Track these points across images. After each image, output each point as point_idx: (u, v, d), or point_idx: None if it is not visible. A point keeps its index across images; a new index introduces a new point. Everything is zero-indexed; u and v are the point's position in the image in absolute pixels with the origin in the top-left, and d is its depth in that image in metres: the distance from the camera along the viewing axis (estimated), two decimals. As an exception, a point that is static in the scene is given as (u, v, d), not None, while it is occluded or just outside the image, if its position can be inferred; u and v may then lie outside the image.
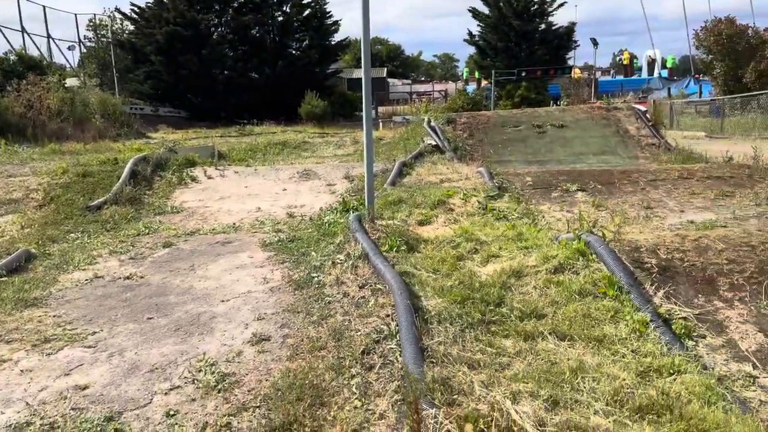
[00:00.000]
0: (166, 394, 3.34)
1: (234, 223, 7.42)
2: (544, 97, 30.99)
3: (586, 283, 4.33)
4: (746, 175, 8.46)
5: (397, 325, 3.72)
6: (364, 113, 5.93)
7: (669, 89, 31.78)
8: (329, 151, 14.92)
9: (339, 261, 5.09)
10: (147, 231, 7.16)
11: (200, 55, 28.10)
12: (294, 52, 31.71)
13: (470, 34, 34.11)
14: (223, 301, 4.72)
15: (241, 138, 18.02)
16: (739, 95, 20.56)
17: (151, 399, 3.29)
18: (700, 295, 4.23)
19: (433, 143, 12.05)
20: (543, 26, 32.92)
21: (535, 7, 32.37)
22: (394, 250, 5.31)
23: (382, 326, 3.83)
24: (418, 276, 4.67)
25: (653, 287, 4.28)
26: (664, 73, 41.72)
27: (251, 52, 30.21)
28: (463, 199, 7.35)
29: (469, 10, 33.61)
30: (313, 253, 5.60)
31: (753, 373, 3.32)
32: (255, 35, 30.71)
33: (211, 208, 8.32)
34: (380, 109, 36.12)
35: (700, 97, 27.55)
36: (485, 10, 32.96)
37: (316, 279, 4.89)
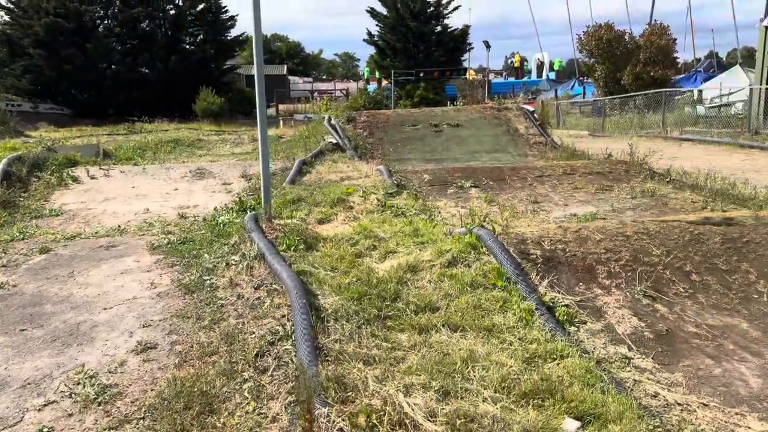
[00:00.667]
0: (39, 410, 3.08)
1: (119, 226, 7.01)
2: (442, 97, 31.84)
3: (478, 275, 4.46)
4: (624, 170, 9.10)
5: (293, 326, 3.65)
6: (258, 108, 5.78)
7: (556, 91, 33.66)
8: (226, 150, 14.49)
9: (233, 262, 4.93)
10: (21, 236, 6.61)
11: (85, 48, 26.38)
12: (188, 47, 30.57)
13: (369, 34, 34.43)
14: (105, 308, 4.43)
15: (130, 136, 17.10)
16: (618, 96, 22.15)
17: (23, 417, 3.03)
18: (581, 283, 4.48)
19: (334, 141, 12.01)
20: (439, 28, 33.83)
21: (431, 9, 33.18)
22: (292, 249, 5.23)
23: (277, 327, 3.75)
24: (316, 275, 4.62)
25: (538, 277, 4.49)
26: (552, 75, 44.17)
27: (141, 46, 28.79)
28: (362, 197, 7.37)
29: (367, 11, 33.90)
30: (205, 255, 5.39)
31: (628, 355, 3.56)
32: (145, 29, 29.29)
33: (95, 211, 7.81)
34: (281, 106, 35.60)
35: (584, 98, 29.43)
36: (383, 10, 33.39)
37: (208, 282, 4.71)
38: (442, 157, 11.89)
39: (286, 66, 63.21)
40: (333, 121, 13.28)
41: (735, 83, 22.74)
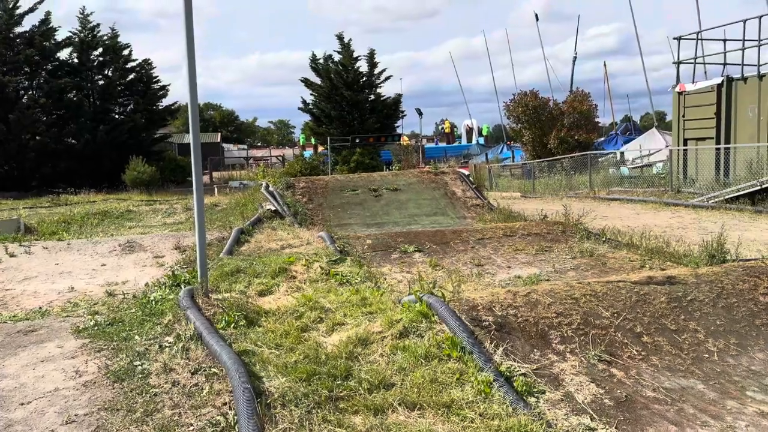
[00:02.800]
0: None
1: (41, 307, 6.45)
2: (378, 162, 32.30)
3: (431, 345, 4.28)
4: (561, 231, 9.29)
5: (236, 415, 3.33)
6: (194, 176, 5.53)
7: (486, 155, 34.87)
8: (158, 220, 13.94)
9: (167, 344, 4.56)
10: (-75, 324, 5.94)
11: (7, 120, 25.34)
12: (117, 116, 29.93)
13: (304, 102, 34.78)
14: (23, 404, 3.95)
15: (54, 209, 16.24)
16: (546, 159, 23.09)
17: None
18: (535, 350, 4.37)
19: (273, 208, 11.78)
20: (372, 97, 34.67)
21: (364, 79, 34.05)
22: (232, 326, 4.91)
23: (218, 417, 3.41)
24: (260, 354, 4.32)
25: (492, 345, 4.35)
26: (481, 140, 45.92)
27: (68, 116, 27.98)
28: (305, 265, 7.13)
29: (301, 80, 34.38)
30: (136, 337, 4.97)
31: (591, 425, 3.43)
32: (72, 99, 28.54)
33: (13, 291, 7.19)
34: (215, 174, 35.07)
35: (513, 161, 30.55)
36: (317, 80, 33.96)
37: (139, 368, 4.30)
38: (383, 221, 11.85)
39: (220, 134, 62.95)
40: (271, 188, 13.08)
41: (653, 145, 24.22)
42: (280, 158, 48.15)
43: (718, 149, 15.39)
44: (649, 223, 11.48)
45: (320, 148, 38.84)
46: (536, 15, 43.49)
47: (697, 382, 3.97)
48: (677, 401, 3.75)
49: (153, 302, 5.93)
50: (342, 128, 32.91)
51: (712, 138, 15.90)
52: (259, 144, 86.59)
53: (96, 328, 5.50)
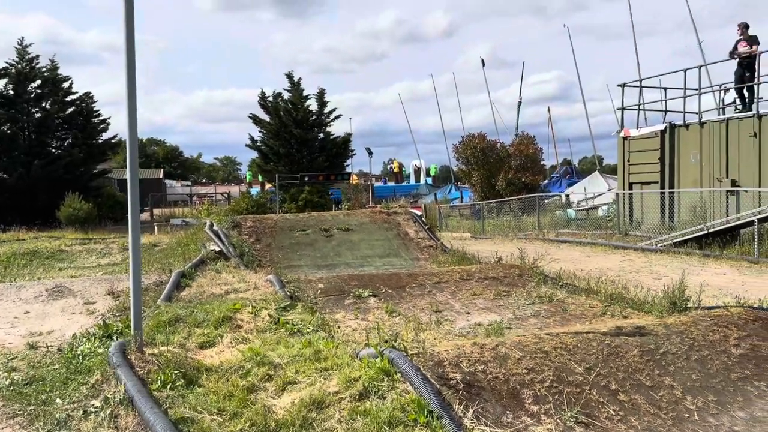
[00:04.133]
0: None
1: (-53, 363, 5.67)
2: (327, 200, 31.92)
3: (395, 409, 3.86)
4: (517, 274, 9.08)
5: (170, 503, 2.81)
6: (129, 215, 5.00)
7: (435, 195, 35.04)
8: (92, 261, 13.04)
9: (93, 410, 3.97)
10: None
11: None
12: (54, 150, 28.59)
13: (252, 139, 34.24)
14: None
15: (-23, 247, 15.01)
16: (494, 201, 23.26)
17: None
18: (508, 411, 4.01)
19: (217, 249, 11.16)
20: (322, 135, 34.47)
21: (314, 117, 33.88)
22: (169, 386, 4.36)
23: (148, 505, 2.88)
24: (200, 422, 3.79)
25: (462, 407, 3.97)
26: (429, 180, 46.32)
27: (1, 149, 26.49)
28: (252, 313, 6.60)
29: (250, 117, 33.94)
30: (57, 400, 4.34)
31: (578, 502, 3.07)
32: (6, 131, 27.12)
33: None
34: (156, 211, 33.84)
35: (461, 201, 30.75)
36: (266, 117, 33.55)
37: (58, 440, 3.70)
38: (335, 262, 11.40)
39: (162, 170, 61.31)
40: (216, 227, 12.48)
41: (597, 188, 24.82)
42: (226, 195, 47.14)
43: (662, 193, 15.77)
44: (602, 266, 11.48)
45: (267, 186, 38.18)
46: (483, 61, 44.71)
47: (682, 446, 3.70)
48: (664, 469, 3.45)
49: (80, 357, 5.29)
50: (290, 166, 32.46)
51: (657, 182, 16.31)
52: (204, 180, 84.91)
53: (11, 388, 4.82)
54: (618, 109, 18.42)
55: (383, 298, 7.94)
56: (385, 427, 3.69)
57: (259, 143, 34.15)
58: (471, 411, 3.92)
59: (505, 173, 25.03)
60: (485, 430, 3.74)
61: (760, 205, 12.30)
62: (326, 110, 34.17)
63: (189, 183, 68.06)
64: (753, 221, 11.71)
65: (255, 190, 39.52)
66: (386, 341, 4.85)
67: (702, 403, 4.19)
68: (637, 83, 18.05)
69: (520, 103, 40.15)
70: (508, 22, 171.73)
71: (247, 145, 34.47)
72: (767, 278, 9.34)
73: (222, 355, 5.45)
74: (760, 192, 13.05)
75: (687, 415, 4.06)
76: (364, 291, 8.15)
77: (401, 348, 4.62)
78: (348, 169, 36.78)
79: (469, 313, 7.33)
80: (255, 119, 33.98)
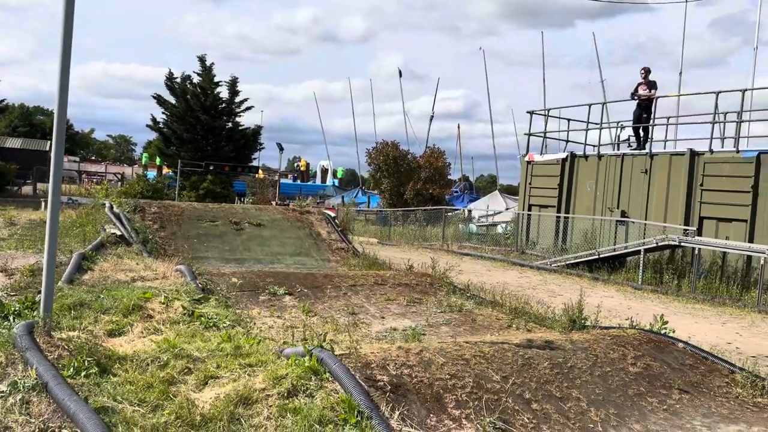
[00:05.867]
0: None
1: None
2: (230, 192, 31.05)
3: (325, 408, 3.89)
4: (428, 283, 9.34)
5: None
6: (50, 191, 4.67)
7: (343, 197, 35.18)
8: (-28, 234, 11.90)
9: (0, 394, 3.67)
10: None
11: None
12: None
13: (154, 120, 32.65)
14: None
15: None
16: (402, 209, 23.74)
17: None
18: (431, 414, 4.15)
19: (118, 233, 10.57)
20: (230, 124, 33.49)
21: (223, 105, 32.86)
22: (83, 374, 4.12)
23: (74, 499, 2.72)
24: (122, 411, 3.62)
25: (389, 408, 4.07)
26: (335, 182, 46.40)
27: None
28: (164, 304, 6.34)
29: (153, 97, 32.35)
30: (-47, 383, 3.96)
31: (502, 503, 3.25)
32: None
33: None
34: (40, 185, 31.44)
35: (368, 206, 31.08)
36: (172, 99, 32.12)
37: (-41, 427, 3.39)
38: (244, 257, 11.17)
39: (49, 142, 56.95)
40: (116, 209, 11.81)
41: (497, 206, 26.01)
42: (119, 176, 44.63)
43: (558, 217, 16.83)
44: (502, 280, 12.07)
45: (165, 170, 36.56)
46: (400, 71, 45.68)
47: (588, 454, 4.00)
48: (574, 474, 3.72)
49: (-27, 337, 4.85)
50: (194, 152, 31.25)
51: (554, 206, 17.38)
52: (94, 158, 79.83)
53: None
54: (525, 134, 19.48)
55: (299, 297, 7.90)
56: (316, 425, 3.70)
57: (161, 125, 32.62)
58: (397, 413, 4.02)
59: (414, 183, 25.61)
60: (410, 431, 3.85)
61: (645, 237, 13.47)
62: (237, 99, 33.30)
63: (77, 159, 63.67)
64: (639, 251, 12.81)
65: (151, 173, 37.66)
66: (312, 340, 4.85)
67: (604, 416, 4.55)
68: (544, 112, 19.16)
69: (432, 117, 41.32)
70: (421, 36, 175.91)
71: (148, 126, 32.86)
72: (648, 303, 10.25)
73: (134, 344, 5.21)
74: (646, 224, 14.29)
75: (592, 425, 4.40)
76: (279, 288, 8.06)
77: (329, 348, 4.65)
78: (255, 163, 36.04)
79: (384, 318, 7.46)
80: (159, 100, 32.42)
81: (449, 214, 23.07)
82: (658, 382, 5.24)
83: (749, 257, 11.70)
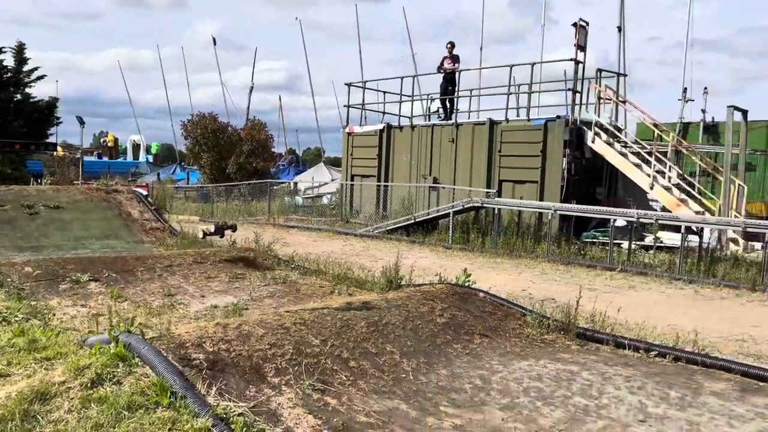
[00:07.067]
0: None
1: None
2: (23, 173, 27.58)
3: (134, 393, 3.70)
4: (252, 257, 9.24)
5: None
6: None
7: (158, 174, 33.02)
8: None
9: None
10: None
11: None
12: None
13: None
14: None
15: None
16: (224, 184, 22.97)
17: None
18: (251, 386, 4.16)
19: None
20: (19, 96, 29.57)
21: (9, 75, 28.87)
22: None
23: None
24: None
25: (206, 385, 3.98)
26: (150, 158, 43.37)
27: None
28: (-63, 301, 5.53)
29: None
30: None
31: (319, 459, 3.37)
32: None
33: None
34: None
35: (188, 183, 29.57)
36: (-59, 68, 27.48)
37: None
38: (41, 244, 10.08)
39: None
40: None
41: (322, 178, 26.28)
42: None
43: (379, 186, 17.50)
44: (327, 249, 12.33)
45: (-59, 151, 31.45)
46: (214, 39, 42.99)
47: (401, 403, 4.29)
48: (387, 423, 3.97)
49: None
50: (-25, 129, 27.20)
51: (375, 176, 18.02)
52: None
53: None
54: (344, 106, 19.81)
55: (106, 283, 7.36)
56: (124, 411, 3.51)
57: (-69, 99, 27.82)
58: (215, 389, 3.96)
59: (236, 157, 24.84)
60: (229, 405, 3.82)
61: (454, 200, 14.55)
62: (26, 68, 29.42)
63: None
64: (449, 213, 13.82)
65: None
66: (119, 326, 4.56)
67: (415, 365, 4.91)
68: (361, 84, 19.62)
69: (251, 88, 40.15)
70: (239, 4, 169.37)
71: None
72: (458, 260, 11.14)
73: None
74: (454, 189, 15.43)
75: (404, 375, 4.72)
76: (83, 275, 7.43)
77: (138, 332, 4.41)
78: (52, 139, 32.26)
79: (204, 296, 7.25)
80: (-74, 69, 27.57)
81: (275, 187, 22.82)
82: (462, 329, 5.76)
83: (540, 214, 13.21)
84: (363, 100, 19.16)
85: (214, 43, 41.17)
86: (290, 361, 4.49)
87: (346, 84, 19.42)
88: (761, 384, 4.90)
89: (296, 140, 67.33)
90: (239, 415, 3.76)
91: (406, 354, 5.04)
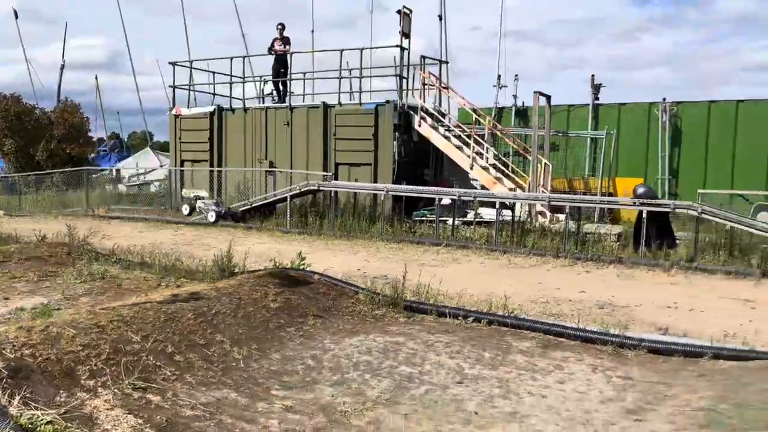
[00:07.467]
0: None
1: None
2: None
3: None
4: (65, 253, 8.46)
5: None
6: None
7: (-48, 164, 28.71)
8: None
9: None
10: None
11: None
12: None
13: None
14: None
15: None
16: (33, 173, 20.63)
17: None
18: (62, 391, 3.83)
19: None
20: None
21: None
22: None
23: None
24: None
25: (7, 395, 3.60)
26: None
27: None
28: None
29: None
30: None
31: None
32: None
33: None
34: None
35: (-10, 173, 26.10)
36: None
37: None
38: None
39: None
40: None
41: (148, 164, 24.62)
42: None
43: (212, 171, 16.85)
44: (155, 240, 11.65)
45: None
46: (15, 12, 37.70)
47: (230, 392, 4.22)
48: (215, 414, 3.89)
49: None
50: None
51: (207, 161, 17.30)
52: None
53: None
54: (169, 86, 18.70)
55: None
56: None
57: None
58: (18, 398, 3.59)
59: (46, 143, 22.36)
60: (35, 414, 3.49)
61: (291, 184, 14.48)
62: None
63: None
64: (286, 198, 13.72)
65: None
66: None
67: (247, 352, 4.85)
68: (188, 64, 18.63)
69: (62, 66, 36.12)
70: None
71: None
72: (296, 244, 11.14)
73: None
74: (291, 173, 15.34)
75: (234, 363, 4.65)
76: None
77: None
78: None
79: (7, 299, 6.53)
80: None
81: (94, 175, 20.96)
82: (296, 312, 5.80)
83: (374, 195, 13.62)
84: (191, 80, 18.23)
85: (16, 17, 36.33)
86: (107, 362, 4.20)
87: (170, 63, 18.34)
88: (560, 340, 5.55)
89: (118, 123, 62.32)
90: (48, 423, 3.46)
91: (237, 342, 4.96)
